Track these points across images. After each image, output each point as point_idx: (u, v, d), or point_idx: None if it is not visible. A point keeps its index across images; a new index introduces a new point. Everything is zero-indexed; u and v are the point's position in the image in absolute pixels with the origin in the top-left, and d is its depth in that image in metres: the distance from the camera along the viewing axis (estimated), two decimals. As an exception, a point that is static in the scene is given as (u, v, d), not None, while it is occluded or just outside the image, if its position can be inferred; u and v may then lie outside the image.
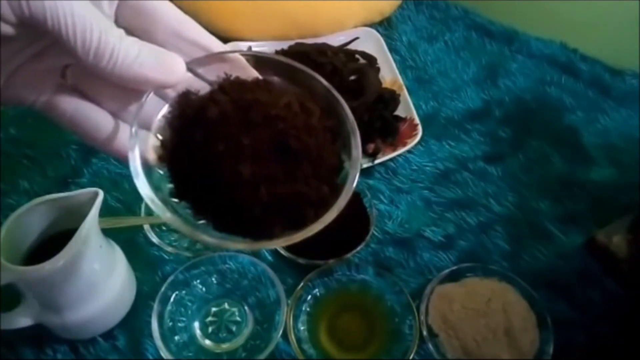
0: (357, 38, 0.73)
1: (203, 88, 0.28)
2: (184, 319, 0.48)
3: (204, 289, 0.50)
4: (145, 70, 0.24)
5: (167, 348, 0.45)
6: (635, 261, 0.51)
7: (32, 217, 0.43)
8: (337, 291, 0.50)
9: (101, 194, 0.42)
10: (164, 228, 0.53)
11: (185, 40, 0.27)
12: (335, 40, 0.72)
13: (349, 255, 0.51)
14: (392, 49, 0.74)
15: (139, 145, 0.26)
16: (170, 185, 0.27)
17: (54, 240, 0.43)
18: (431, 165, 0.62)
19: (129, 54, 0.24)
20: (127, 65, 0.24)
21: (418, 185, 0.60)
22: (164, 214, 0.25)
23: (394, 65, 0.70)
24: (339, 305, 0.50)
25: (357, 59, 0.69)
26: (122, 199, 0.56)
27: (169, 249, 0.52)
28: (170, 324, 0.47)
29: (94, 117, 0.27)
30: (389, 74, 0.69)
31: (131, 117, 0.26)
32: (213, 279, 0.51)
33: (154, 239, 0.52)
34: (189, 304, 0.49)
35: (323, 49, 0.67)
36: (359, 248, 0.51)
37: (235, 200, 0.25)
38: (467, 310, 0.48)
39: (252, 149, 0.25)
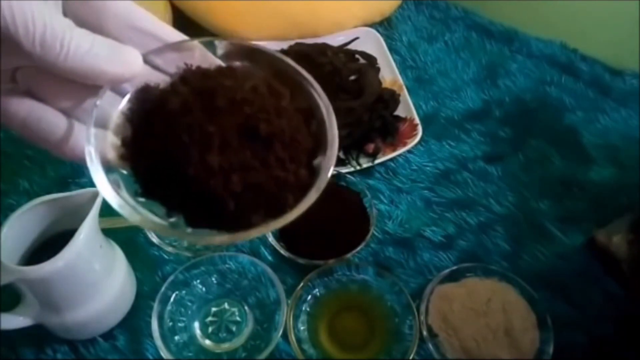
0: (357, 38, 0.73)
1: (163, 81, 0.26)
2: (184, 319, 0.48)
3: (204, 289, 0.50)
4: (100, 62, 0.23)
5: (167, 348, 0.45)
6: (635, 261, 0.51)
7: (32, 217, 0.43)
8: (337, 291, 0.50)
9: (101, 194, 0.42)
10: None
11: (140, 32, 0.25)
12: (335, 40, 0.72)
13: (349, 255, 0.51)
14: (392, 49, 0.74)
15: (98, 145, 0.24)
16: (136, 185, 0.25)
17: (54, 240, 0.43)
18: (431, 165, 0.62)
19: (80, 44, 0.22)
20: (80, 56, 0.22)
21: (418, 185, 0.60)
22: (132, 216, 0.24)
23: (394, 65, 0.70)
24: (339, 305, 0.50)
25: (357, 59, 0.69)
26: (122, 199, 0.56)
27: (169, 249, 0.52)
28: (170, 324, 0.47)
29: (47, 118, 0.25)
30: (389, 74, 0.69)
31: (86, 115, 0.24)
32: (213, 279, 0.51)
33: (154, 239, 0.52)
34: (189, 304, 0.49)
35: (323, 49, 0.67)
36: (359, 248, 0.51)
37: (207, 193, 0.23)
38: (467, 310, 0.48)
39: (220, 137, 0.23)
